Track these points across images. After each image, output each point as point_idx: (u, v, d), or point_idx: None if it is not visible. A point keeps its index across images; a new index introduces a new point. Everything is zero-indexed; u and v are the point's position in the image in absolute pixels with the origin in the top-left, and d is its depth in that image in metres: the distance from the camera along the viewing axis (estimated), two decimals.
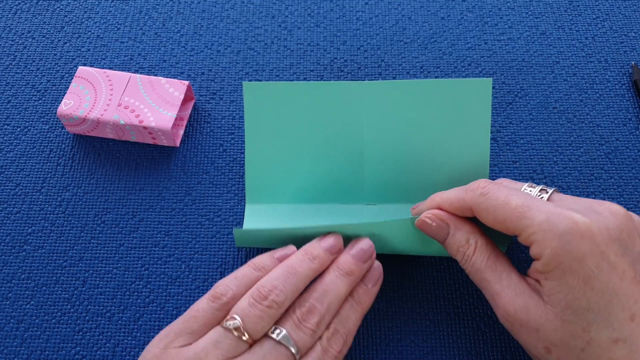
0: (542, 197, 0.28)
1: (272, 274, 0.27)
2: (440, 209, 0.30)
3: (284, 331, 0.25)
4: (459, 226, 0.29)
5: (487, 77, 0.43)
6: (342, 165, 0.37)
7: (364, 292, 0.29)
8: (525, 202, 0.26)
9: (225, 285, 0.27)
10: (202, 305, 0.26)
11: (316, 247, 0.29)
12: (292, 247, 0.30)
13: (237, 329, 0.25)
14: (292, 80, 0.43)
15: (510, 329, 0.27)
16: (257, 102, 0.36)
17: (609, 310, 0.24)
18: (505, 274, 0.27)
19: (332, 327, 0.27)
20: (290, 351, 0.25)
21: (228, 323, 0.25)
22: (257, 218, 0.37)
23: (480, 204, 0.27)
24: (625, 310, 0.24)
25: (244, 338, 0.25)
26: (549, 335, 0.25)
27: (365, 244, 0.30)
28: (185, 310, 0.35)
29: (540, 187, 0.29)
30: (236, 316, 0.25)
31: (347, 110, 0.36)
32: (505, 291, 0.27)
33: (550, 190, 0.28)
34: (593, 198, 0.38)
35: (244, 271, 0.28)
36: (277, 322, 0.26)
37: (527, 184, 0.30)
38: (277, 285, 0.26)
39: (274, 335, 0.25)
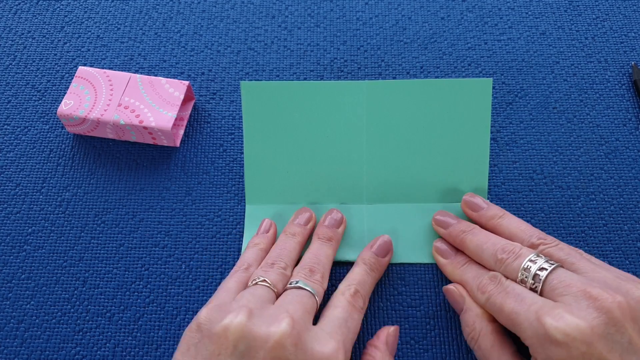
0: (536, 287, 0.29)
1: (270, 254, 0.33)
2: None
3: (300, 280, 0.31)
4: (470, 307, 0.31)
5: (487, 77, 0.43)
6: (342, 165, 0.37)
7: (375, 261, 0.34)
8: (515, 309, 0.28)
9: (241, 261, 0.34)
10: (231, 275, 0.32)
11: (292, 226, 0.35)
12: (267, 220, 0.37)
13: (264, 281, 0.30)
14: (292, 80, 0.43)
15: None
16: (256, 102, 0.36)
17: None
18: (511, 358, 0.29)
19: (354, 288, 0.31)
20: (309, 292, 0.30)
21: (256, 279, 0.31)
22: (257, 218, 0.37)
23: (485, 307, 0.30)
24: None
25: (273, 288, 0.30)
26: None
27: (336, 214, 0.36)
28: (184, 311, 0.35)
29: (537, 267, 0.29)
30: (259, 276, 0.31)
31: (347, 109, 0.36)
32: None
33: (542, 276, 0.28)
34: (592, 199, 0.38)
35: (248, 253, 0.34)
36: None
37: (525, 261, 0.29)
38: (276, 257, 0.33)
39: (293, 285, 0.31)
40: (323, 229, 0.35)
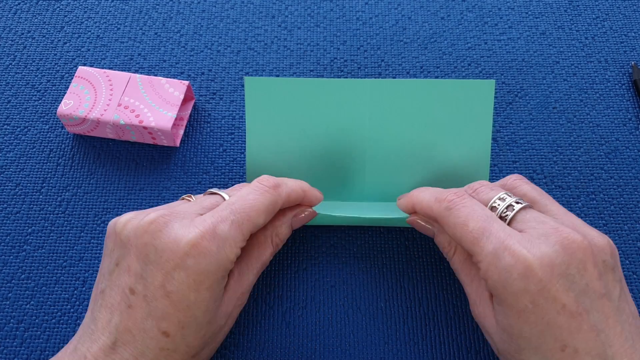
0: (507, 215, 0.28)
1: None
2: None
3: (216, 189, 0.31)
4: (442, 230, 0.32)
5: (487, 77, 0.43)
6: (344, 163, 0.37)
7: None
8: (481, 227, 0.27)
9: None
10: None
11: None
12: None
13: (189, 196, 0.31)
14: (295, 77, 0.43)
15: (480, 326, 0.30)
16: (259, 98, 0.36)
17: (541, 340, 0.25)
18: (477, 279, 0.30)
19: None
20: (221, 195, 0.30)
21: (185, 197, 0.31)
22: None
23: (444, 218, 0.29)
24: (557, 341, 0.25)
25: (194, 203, 0.30)
26: (496, 343, 0.28)
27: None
28: None
29: (512, 200, 0.29)
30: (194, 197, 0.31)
31: (350, 107, 0.36)
32: (472, 295, 0.30)
33: (517, 207, 0.28)
34: (592, 198, 0.38)
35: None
36: None
37: (501, 193, 0.29)
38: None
39: (207, 192, 0.31)
40: None
